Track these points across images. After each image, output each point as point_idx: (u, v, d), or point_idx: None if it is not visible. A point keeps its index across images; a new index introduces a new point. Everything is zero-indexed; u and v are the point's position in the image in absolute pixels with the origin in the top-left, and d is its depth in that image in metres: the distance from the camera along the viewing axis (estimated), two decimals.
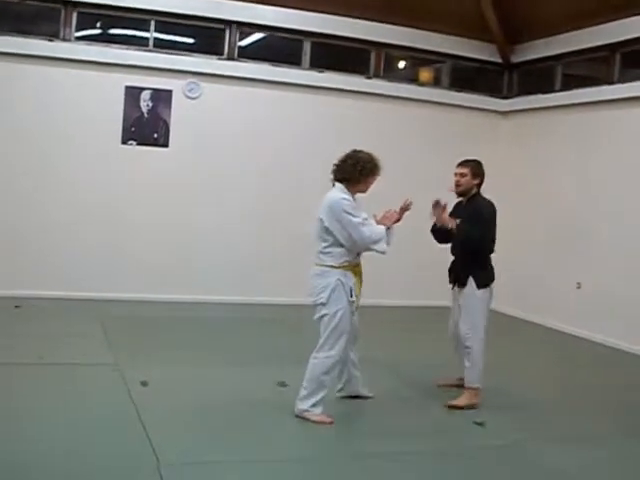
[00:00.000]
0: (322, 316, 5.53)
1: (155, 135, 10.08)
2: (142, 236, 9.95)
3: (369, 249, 5.58)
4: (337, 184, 5.62)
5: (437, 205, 6.09)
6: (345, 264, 5.52)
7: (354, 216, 5.46)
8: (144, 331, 8.23)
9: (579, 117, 10.27)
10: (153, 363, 6.77)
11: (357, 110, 10.83)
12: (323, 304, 5.50)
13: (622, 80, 9.70)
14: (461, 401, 6.11)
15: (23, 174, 9.46)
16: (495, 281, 6.22)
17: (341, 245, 5.49)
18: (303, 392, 5.54)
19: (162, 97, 10.05)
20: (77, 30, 9.69)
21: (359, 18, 10.61)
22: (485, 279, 6.15)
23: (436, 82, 11.83)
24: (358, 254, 5.63)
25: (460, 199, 6.36)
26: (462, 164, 6.29)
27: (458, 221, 6.07)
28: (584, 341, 9.52)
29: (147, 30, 10.00)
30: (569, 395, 6.90)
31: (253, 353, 7.55)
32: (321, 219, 5.51)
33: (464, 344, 6.15)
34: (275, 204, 10.39)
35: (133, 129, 9.96)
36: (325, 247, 5.54)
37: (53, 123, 9.58)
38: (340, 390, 6.02)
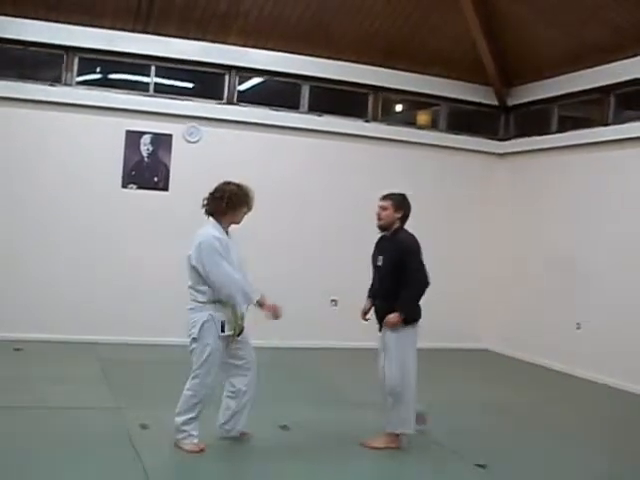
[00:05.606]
0: (192, 350, 5.52)
1: (155, 179, 10.16)
2: (143, 280, 9.95)
3: (229, 297, 5.45)
4: (210, 218, 5.60)
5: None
6: (218, 299, 5.47)
7: (222, 258, 5.41)
8: (143, 374, 8.21)
9: (575, 158, 10.37)
10: (153, 406, 6.72)
11: (355, 153, 10.94)
12: (194, 339, 5.49)
13: (617, 122, 9.82)
14: (379, 442, 5.91)
15: (30, 217, 9.54)
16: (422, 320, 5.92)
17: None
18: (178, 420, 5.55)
19: (162, 141, 10.14)
20: (78, 75, 9.83)
21: (357, 62, 10.76)
22: (413, 314, 5.86)
23: (433, 125, 11.93)
24: None
25: (383, 233, 6.09)
26: (384, 197, 6.06)
27: (380, 260, 6.02)
28: (584, 382, 9.48)
29: (148, 75, 10.14)
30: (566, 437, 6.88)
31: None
32: (189, 257, 5.46)
33: (388, 387, 5.84)
34: (276, 246, 10.38)
35: (133, 173, 10.04)
36: (194, 284, 5.51)
37: (54, 167, 9.66)
38: (221, 425, 5.84)
